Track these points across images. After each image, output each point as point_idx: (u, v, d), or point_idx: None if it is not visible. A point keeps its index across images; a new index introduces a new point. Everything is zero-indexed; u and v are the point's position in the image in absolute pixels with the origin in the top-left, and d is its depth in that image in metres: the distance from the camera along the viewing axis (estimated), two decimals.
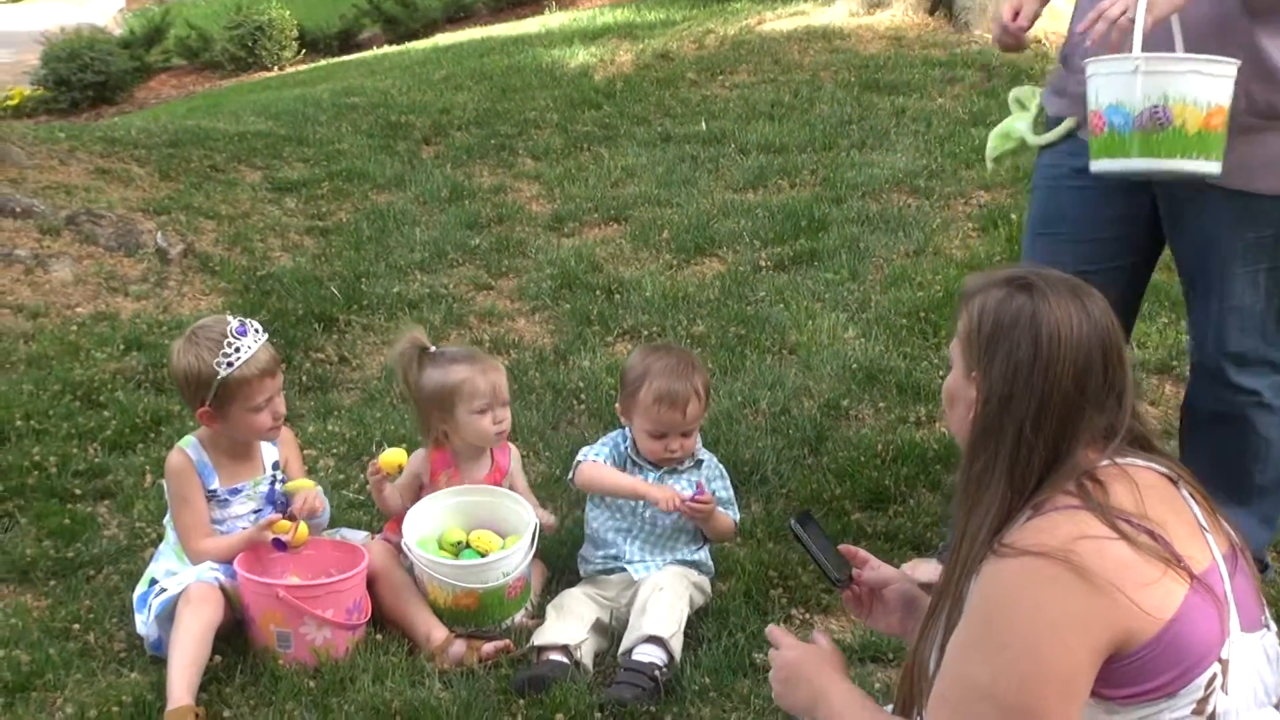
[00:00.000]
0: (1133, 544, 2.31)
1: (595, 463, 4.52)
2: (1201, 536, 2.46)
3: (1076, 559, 2.28)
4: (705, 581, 4.51)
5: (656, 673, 4.00)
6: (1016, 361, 2.45)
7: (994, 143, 4.63)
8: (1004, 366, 2.46)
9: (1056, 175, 4.37)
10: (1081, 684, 2.32)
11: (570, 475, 4.60)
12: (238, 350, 4.30)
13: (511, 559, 4.37)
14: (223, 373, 4.28)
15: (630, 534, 4.51)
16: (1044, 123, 4.42)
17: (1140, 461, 2.50)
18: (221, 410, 4.34)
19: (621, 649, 4.14)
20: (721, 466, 4.69)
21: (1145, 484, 2.44)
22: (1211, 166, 3.72)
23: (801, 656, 2.85)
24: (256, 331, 4.40)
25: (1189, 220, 4.15)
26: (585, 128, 11.23)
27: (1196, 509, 2.50)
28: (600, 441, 4.65)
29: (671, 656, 4.08)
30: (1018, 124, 4.51)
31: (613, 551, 4.50)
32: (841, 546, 3.12)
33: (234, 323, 4.37)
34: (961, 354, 2.59)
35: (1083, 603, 2.28)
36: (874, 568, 3.08)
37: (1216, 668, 2.35)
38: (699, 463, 4.61)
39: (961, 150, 9.71)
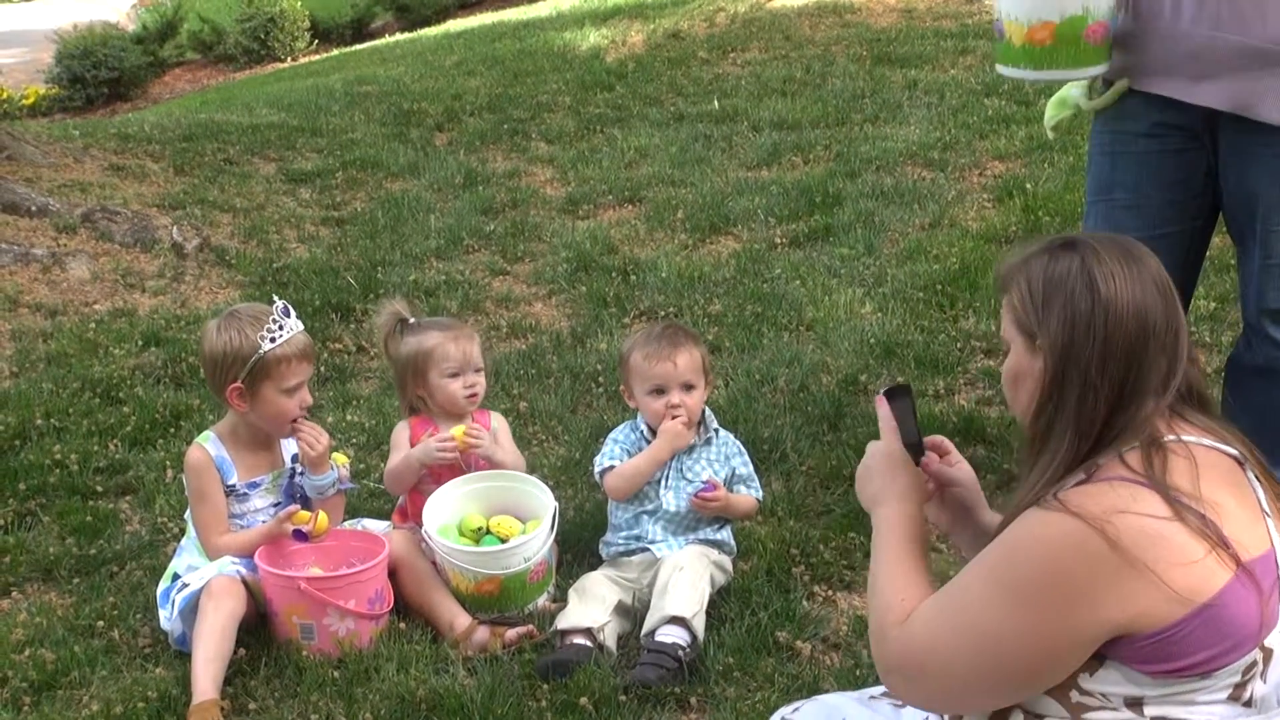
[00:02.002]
0: (1182, 522, 2.29)
1: (615, 469, 4.51)
2: (1262, 522, 2.43)
3: (1113, 530, 2.26)
4: (727, 561, 4.51)
5: (680, 653, 4.00)
6: (1074, 310, 2.44)
7: (1051, 110, 4.66)
8: (1062, 317, 2.44)
9: (1111, 141, 4.38)
10: (1077, 653, 2.31)
11: (601, 487, 4.61)
12: (281, 328, 4.33)
13: (532, 544, 4.38)
14: (265, 348, 4.30)
15: (653, 515, 4.51)
16: (1099, 88, 4.40)
17: (1208, 441, 2.47)
18: (253, 389, 4.35)
19: (644, 630, 4.14)
20: (739, 443, 4.68)
21: (1206, 464, 2.40)
22: (1047, 75, 4.13)
23: (888, 460, 2.80)
24: (296, 318, 4.43)
25: (1235, 173, 4.15)
26: (598, 109, 11.23)
27: (1261, 493, 2.48)
28: (610, 440, 4.63)
29: (694, 636, 4.08)
30: (1073, 90, 4.52)
31: (635, 532, 4.50)
32: (932, 437, 3.05)
33: (279, 303, 4.41)
34: (1018, 329, 2.56)
35: (1105, 575, 2.26)
36: (950, 463, 3.00)
37: (1257, 654, 2.33)
38: (709, 441, 4.60)
39: (975, 121, 9.68)
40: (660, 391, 4.46)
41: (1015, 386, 2.61)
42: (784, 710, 2.99)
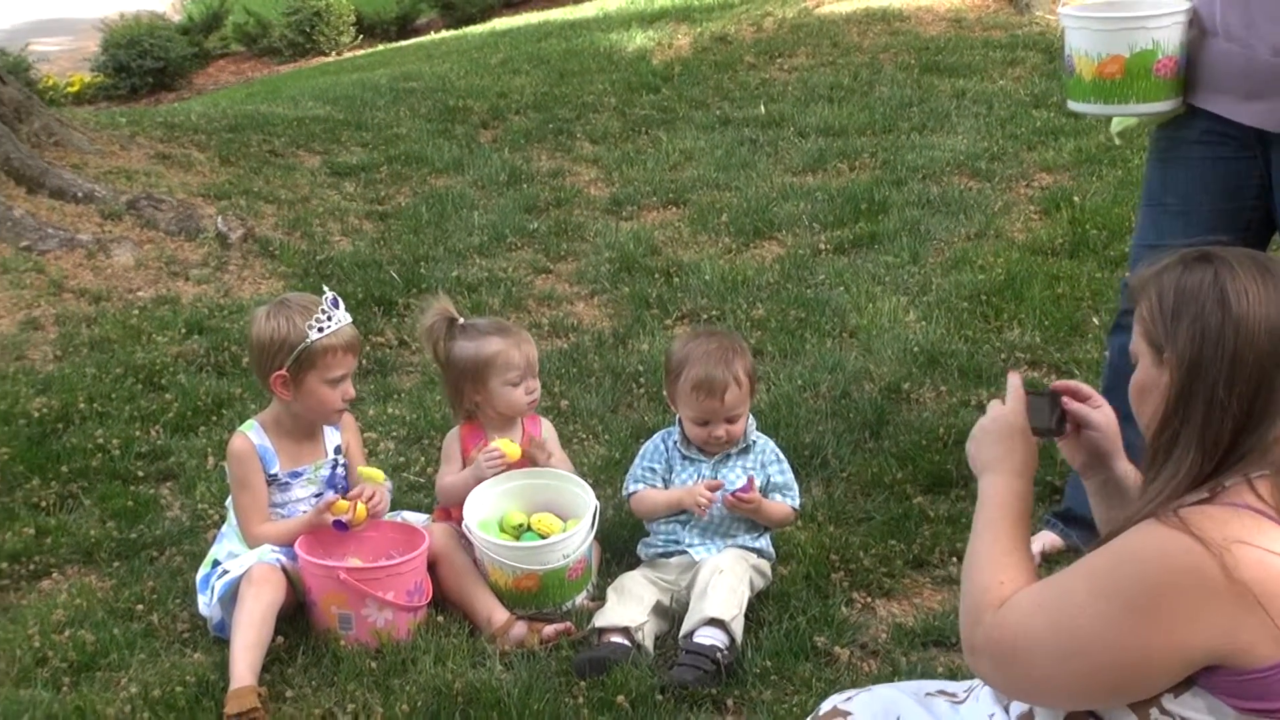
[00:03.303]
0: None
1: (638, 494, 4.52)
2: None
3: (1230, 560, 2.21)
4: (765, 565, 4.49)
5: (718, 655, 3.98)
6: (1204, 325, 2.38)
7: (1117, 117, 4.66)
8: (1191, 332, 2.39)
9: (1166, 146, 4.40)
10: (1169, 674, 2.28)
11: (627, 502, 4.63)
12: (329, 319, 4.34)
13: (572, 540, 4.37)
14: (311, 337, 4.31)
15: (686, 524, 4.49)
16: None
17: None
18: (297, 378, 4.36)
19: (682, 632, 4.12)
20: (778, 450, 4.65)
21: None
22: (1118, 110, 4.25)
23: (1009, 430, 2.75)
24: (345, 310, 4.44)
25: None
26: (643, 111, 11.21)
27: None
28: (639, 457, 4.63)
29: (733, 639, 4.06)
30: None
31: (673, 536, 4.49)
32: (1059, 384, 2.99)
33: (329, 294, 4.41)
34: (1147, 342, 2.51)
35: (1214, 603, 2.23)
36: (1091, 405, 2.94)
37: None
38: (746, 449, 4.58)
39: (1023, 132, 9.65)
40: (704, 422, 4.45)
41: (1141, 400, 2.55)
42: (836, 698, 2.95)
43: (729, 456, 4.53)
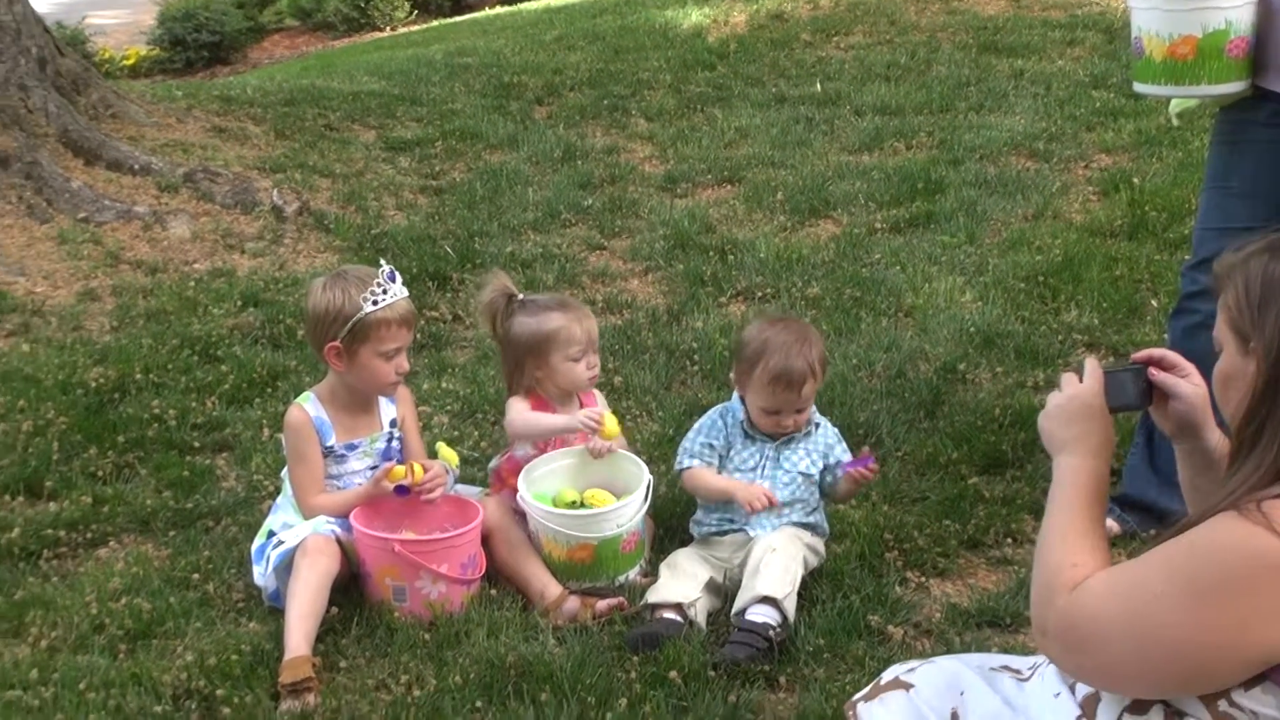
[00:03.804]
0: None
1: (692, 470, 4.48)
2: None
3: None
4: (819, 543, 4.47)
5: (770, 633, 3.98)
6: None
7: (1178, 98, 4.63)
8: (1279, 321, 2.38)
9: (1231, 129, 4.36)
10: (1242, 669, 2.24)
11: (679, 475, 4.57)
12: (385, 292, 4.34)
13: (625, 510, 4.38)
14: (366, 309, 4.31)
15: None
16: None
17: None
18: (350, 350, 4.36)
19: (735, 609, 4.12)
20: (836, 430, 4.65)
21: None
22: (1188, 91, 4.19)
23: (1089, 410, 2.70)
24: (402, 284, 4.44)
25: None
26: (698, 88, 11.19)
27: None
28: (696, 430, 4.56)
29: (785, 617, 4.06)
30: None
31: (727, 515, 4.47)
32: (1143, 354, 2.98)
33: (386, 267, 4.41)
34: (1232, 331, 2.46)
35: None
36: (1179, 373, 2.90)
37: None
38: (808, 433, 4.55)
39: (1082, 113, 9.59)
40: (775, 411, 4.42)
41: (1225, 389, 2.52)
42: (898, 668, 2.93)
43: (792, 440, 4.51)
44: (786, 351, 4.32)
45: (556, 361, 4.56)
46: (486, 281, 4.81)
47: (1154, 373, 2.83)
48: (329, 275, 4.47)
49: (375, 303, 4.32)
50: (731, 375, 4.57)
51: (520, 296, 4.67)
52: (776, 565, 4.17)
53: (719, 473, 4.48)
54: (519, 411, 4.62)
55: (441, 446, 4.53)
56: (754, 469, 4.47)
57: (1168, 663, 2.31)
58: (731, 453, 4.49)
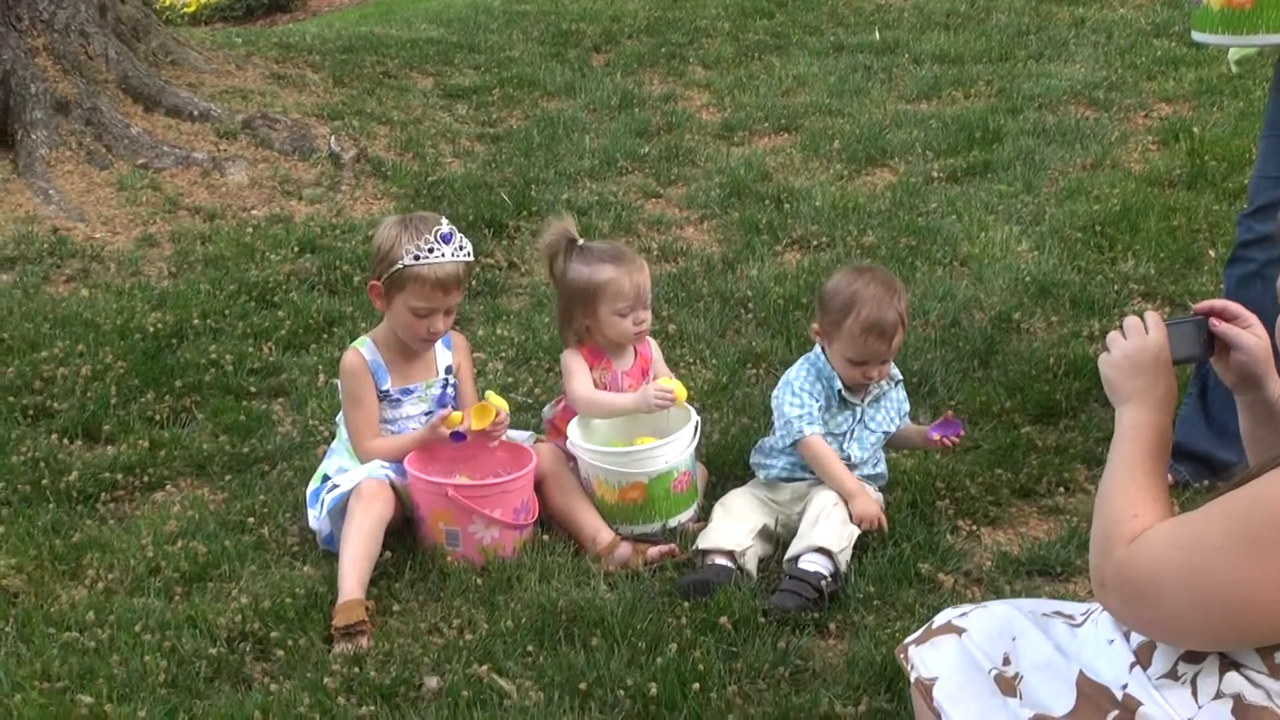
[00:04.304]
0: None
1: (815, 442, 4.36)
2: None
3: None
4: (880, 497, 4.47)
5: (822, 583, 3.97)
6: None
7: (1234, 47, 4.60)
8: None
9: None
10: None
11: (787, 437, 4.42)
12: (431, 251, 4.33)
13: (674, 447, 4.38)
14: (405, 261, 4.32)
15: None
16: None
17: None
18: (388, 293, 4.39)
19: (789, 555, 4.12)
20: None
21: None
22: (1248, 40, 4.12)
23: (1157, 363, 2.66)
24: (460, 249, 4.40)
25: None
26: (756, 36, 11.16)
27: None
28: (797, 390, 4.42)
29: (838, 569, 4.06)
30: None
31: (800, 462, 4.44)
32: (1204, 305, 2.94)
33: (444, 226, 4.40)
34: None
35: None
36: (1241, 324, 2.88)
37: None
38: (888, 391, 4.54)
39: (1143, 62, 9.51)
40: (862, 362, 4.38)
41: None
42: (951, 612, 2.92)
43: (878, 398, 4.50)
44: (878, 302, 4.29)
45: (604, 314, 4.54)
46: (550, 223, 4.80)
47: (1215, 324, 2.80)
48: (404, 216, 4.51)
49: (416, 258, 4.32)
50: (815, 326, 4.50)
51: (580, 242, 4.65)
52: (836, 519, 4.16)
53: None
54: (583, 385, 4.58)
55: (491, 395, 4.53)
56: (845, 433, 4.46)
57: (1225, 616, 2.29)
58: (826, 415, 4.44)
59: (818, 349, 4.48)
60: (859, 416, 4.46)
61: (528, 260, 6.85)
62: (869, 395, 4.47)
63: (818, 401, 4.40)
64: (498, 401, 4.47)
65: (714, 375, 5.47)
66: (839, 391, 4.41)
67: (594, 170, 8.12)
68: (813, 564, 4.03)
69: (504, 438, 4.58)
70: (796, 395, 4.40)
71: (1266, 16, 4.02)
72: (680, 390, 4.48)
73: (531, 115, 9.32)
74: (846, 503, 4.24)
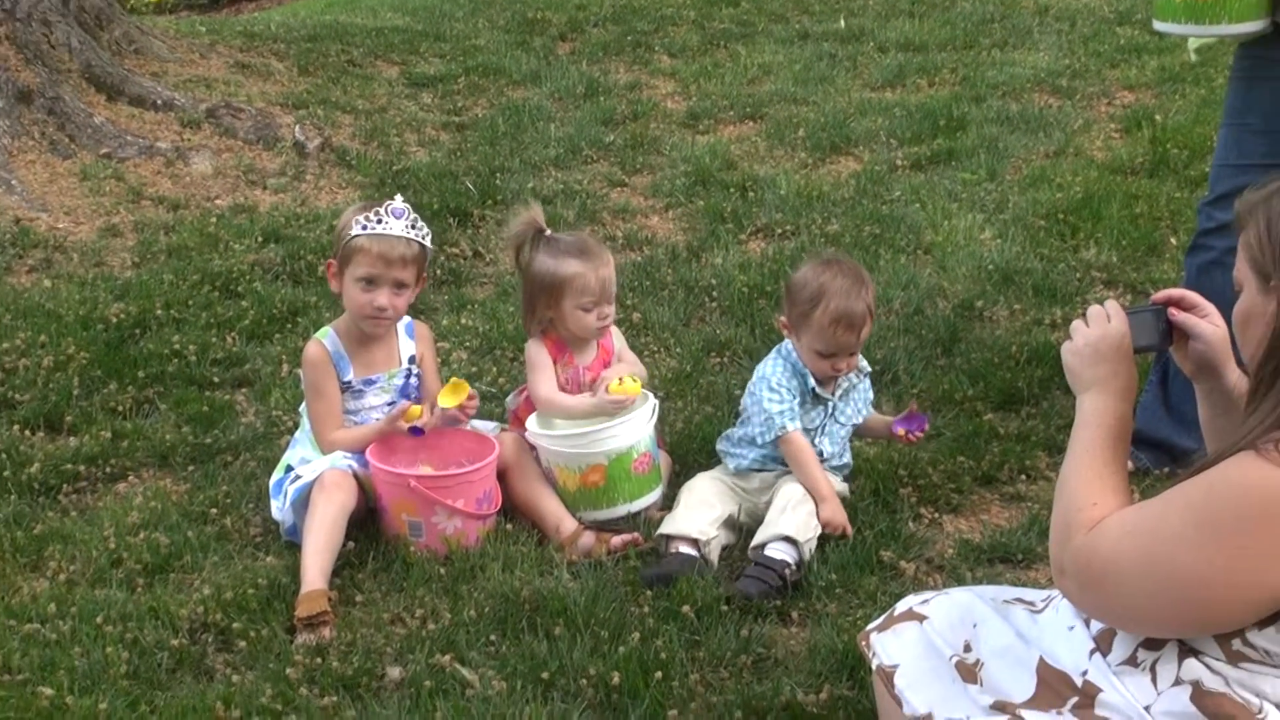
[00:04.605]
0: None
1: (797, 439, 4.35)
2: None
3: None
4: (846, 488, 4.50)
5: (786, 571, 3.99)
6: None
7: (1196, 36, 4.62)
8: None
9: (1251, 66, 4.34)
10: (1256, 609, 2.25)
11: (769, 433, 4.39)
12: (380, 222, 4.34)
13: (632, 425, 4.38)
14: (354, 231, 4.34)
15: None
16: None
17: None
18: (340, 272, 4.41)
19: (755, 542, 4.13)
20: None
21: None
22: (1209, 30, 4.15)
23: (1119, 352, 2.69)
24: (414, 227, 4.41)
25: None
26: (722, 25, 11.16)
27: None
28: (773, 384, 4.39)
29: (802, 559, 4.07)
30: None
31: (774, 455, 4.45)
32: (1162, 294, 2.90)
33: (397, 201, 4.42)
34: (1253, 269, 2.44)
35: None
36: (1199, 313, 2.85)
37: None
38: (856, 384, 4.55)
39: (1106, 50, 9.55)
40: (831, 355, 4.37)
41: (1245, 328, 2.49)
42: (912, 599, 2.94)
43: (847, 392, 4.51)
44: (846, 294, 4.29)
45: (568, 307, 4.53)
46: (517, 212, 4.78)
47: (1174, 313, 2.81)
48: (367, 201, 4.52)
49: (364, 228, 4.34)
50: (782, 319, 4.51)
51: (548, 233, 4.64)
52: (804, 512, 4.18)
53: None
54: (546, 385, 4.58)
55: (456, 379, 4.51)
56: (817, 428, 4.46)
57: (1182, 603, 2.31)
58: (800, 410, 4.43)
59: (788, 343, 4.48)
60: (830, 411, 4.46)
61: (493, 249, 6.85)
62: (839, 389, 4.47)
63: (795, 397, 4.40)
64: (464, 385, 4.46)
65: (678, 364, 5.48)
66: (812, 389, 4.41)
67: (559, 159, 8.11)
68: (779, 552, 4.05)
69: (469, 427, 4.59)
70: (775, 390, 4.39)
71: (1229, 6, 4.04)
72: (633, 390, 4.47)
73: (497, 104, 9.31)
74: (817, 504, 4.24)
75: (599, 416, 4.49)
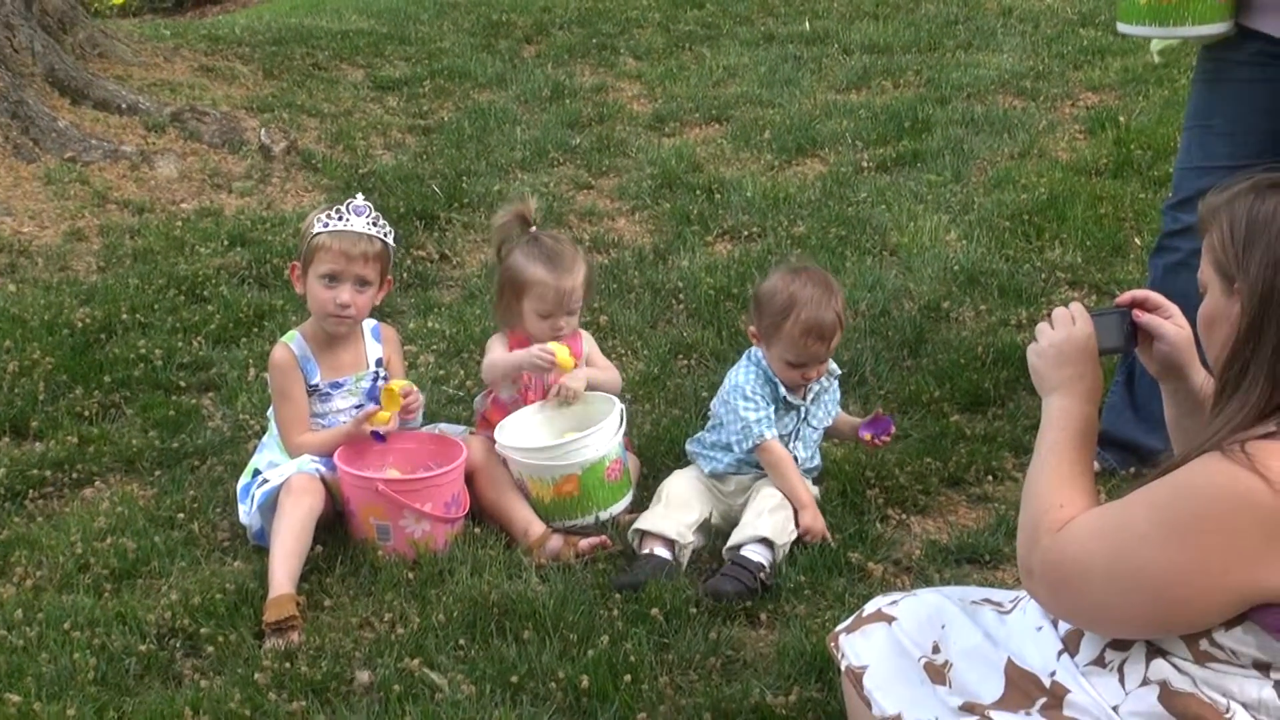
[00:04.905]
0: None
1: (774, 447, 4.34)
2: None
3: None
4: (817, 490, 4.50)
5: (762, 574, 4.01)
6: (1277, 253, 2.34)
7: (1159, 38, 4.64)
8: (1264, 261, 2.35)
9: (1214, 68, 4.35)
10: (1224, 609, 2.27)
11: (746, 442, 4.38)
12: (341, 219, 4.36)
13: (600, 435, 4.38)
14: (315, 229, 4.37)
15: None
16: None
17: None
18: (304, 273, 4.42)
19: (731, 543, 4.14)
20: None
21: None
22: (1172, 32, 4.18)
23: (1084, 354, 2.70)
24: (375, 225, 4.42)
25: None
26: (687, 27, 11.18)
27: None
28: (748, 393, 4.38)
29: (775, 562, 4.09)
30: None
31: (750, 461, 4.44)
32: (1126, 296, 2.91)
33: (359, 199, 4.44)
34: (1216, 271, 2.47)
35: (1275, 542, 2.21)
36: (1163, 314, 2.84)
37: None
38: (827, 387, 4.56)
39: (1069, 51, 9.60)
40: (803, 364, 4.37)
41: (1209, 330, 2.51)
42: (881, 600, 2.95)
43: (817, 395, 4.50)
44: (817, 304, 4.28)
45: (528, 309, 4.54)
46: (509, 202, 4.79)
47: (1139, 314, 2.83)
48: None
49: (325, 225, 4.36)
50: (751, 329, 4.49)
51: (532, 230, 4.64)
52: (781, 515, 4.20)
53: None
54: (489, 354, 4.63)
55: (392, 383, 4.51)
56: (790, 433, 4.45)
57: (1150, 603, 2.33)
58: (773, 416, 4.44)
59: (757, 350, 4.47)
60: (803, 415, 4.46)
61: (459, 252, 6.85)
62: (810, 393, 4.47)
63: (770, 405, 4.39)
64: (398, 385, 4.44)
65: (645, 366, 5.48)
66: (783, 396, 4.41)
67: (525, 161, 8.11)
68: (755, 554, 4.07)
69: (437, 430, 4.59)
70: (750, 399, 4.38)
71: (1192, 8, 4.06)
72: (561, 352, 4.47)
73: (463, 107, 9.30)
74: (796, 511, 4.24)
75: (524, 368, 4.53)
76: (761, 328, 4.39)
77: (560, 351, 4.48)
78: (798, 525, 4.23)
